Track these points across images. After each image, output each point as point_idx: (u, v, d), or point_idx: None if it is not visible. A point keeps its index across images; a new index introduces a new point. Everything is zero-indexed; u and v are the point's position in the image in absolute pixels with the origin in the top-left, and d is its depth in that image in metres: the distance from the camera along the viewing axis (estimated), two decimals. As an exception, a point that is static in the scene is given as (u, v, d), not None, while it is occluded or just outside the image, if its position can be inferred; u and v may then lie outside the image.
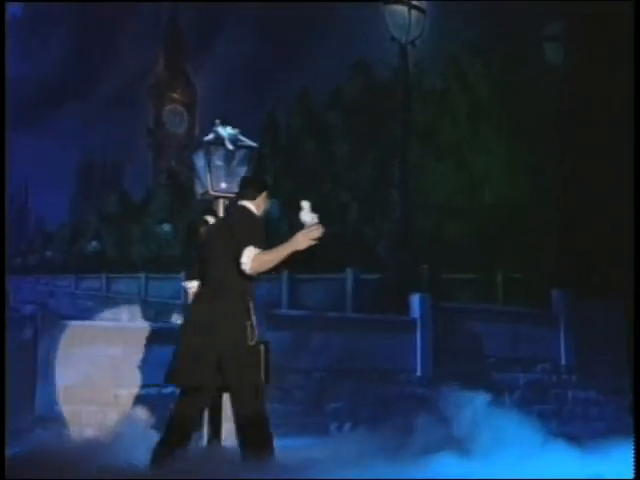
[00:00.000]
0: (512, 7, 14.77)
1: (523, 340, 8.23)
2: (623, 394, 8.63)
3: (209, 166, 4.14)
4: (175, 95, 79.13)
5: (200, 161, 4.17)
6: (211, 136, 4.11)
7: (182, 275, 23.45)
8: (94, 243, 40.35)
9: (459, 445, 4.16)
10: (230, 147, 4.10)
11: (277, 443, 3.78)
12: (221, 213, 4.10)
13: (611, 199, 10.55)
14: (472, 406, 4.32)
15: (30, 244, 70.59)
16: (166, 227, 32.08)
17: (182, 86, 79.79)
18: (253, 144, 4.21)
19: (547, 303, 8.90)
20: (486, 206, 14.16)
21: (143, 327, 6.58)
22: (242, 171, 4.20)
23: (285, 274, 17.11)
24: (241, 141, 4.17)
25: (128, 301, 23.53)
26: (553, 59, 13.46)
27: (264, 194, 4.10)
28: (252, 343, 3.79)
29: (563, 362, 8.48)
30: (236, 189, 4.12)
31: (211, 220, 4.08)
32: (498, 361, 8.00)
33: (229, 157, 4.13)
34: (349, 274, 14.00)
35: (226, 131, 4.12)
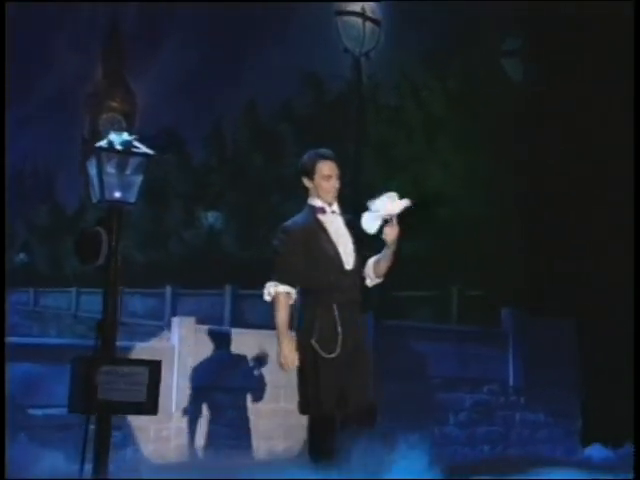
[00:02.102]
0: (470, 21, 15.21)
1: (470, 360, 8.41)
2: (572, 417, 8.91)
3: (100, 174, 4.14)
4: (114, 104, 78.20)
5: (93, 169, 4.18)
6: (103, 142, 4.12)
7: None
8: (22, 255, 39.55)
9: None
10: (119, 148, 4.11)
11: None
12: (116, 223, 4.10)
13: (568, 215, 10.91)
14: None
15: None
16: (100, 240, 31.62)
17: (121, 94, 78.98)
18: (149, 151, 4.23)
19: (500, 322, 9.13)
20: (440, 221, 14.45)
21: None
22: (137, 180, 4.21)
23: (229, 288, 17.18)
24: (136, 148, 4.18)
25: (57, 316, 23.16)
26: (512, 74, 13.82)
27: None
28: None
29: (511, 383, 8.70)
30: (131, 199, 4.12)
31: (103, 231, 4.09)
32: (443, 381, 8.15)
33: (122, 165, 4.14)
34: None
35: (119, 137, 4.13)
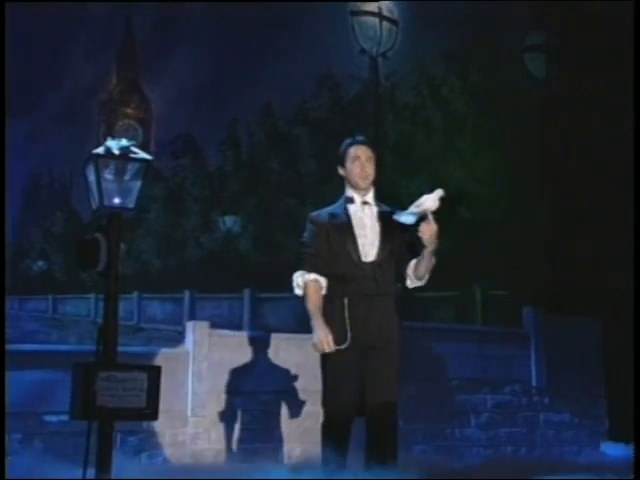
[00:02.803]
0: (490, 17, 15.14)
1: (491, 360, 8.34)
2: (599, 417, 8.81)
3: (99, 180, 4.17)
4: (129, 110, 78.62)
5: (91, 175, 4.21)
6: (101, 149, 4.15)
7: (134, 295, 23.48)
8: (40, 263, 39.84)
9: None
10: (116, 153, 4.12)
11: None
12: (116, 229, 4.12)
13: (593, 214, 10.83)
14: None
15: (-31, 265, 69.21)
16: (118, 246, 31.88)
17: (136, 101, 79.43)
18: (147, 157, 4.24)
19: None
20: (462, 221, 14.40)
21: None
22: (136, 185, 4.23)
23: (247, 292, 17.22)
24: (134, 153, 4.20)
25: (76, 323, 23.34)
26: (535, 70, 13.74)
27: None
28: None
29: (534, 383, 8.62)
30: (131, 204, 4.13)
31: (102, 238, 4.12)
32: (464, 382, 8.09)
33: (120, 171, 4.16)
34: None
35: (117, 143, 4.16)
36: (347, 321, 4.05)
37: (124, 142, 4.12)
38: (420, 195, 4.11)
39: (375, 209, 4.22)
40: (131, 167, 4.15)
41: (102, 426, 4.02)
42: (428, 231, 3.96)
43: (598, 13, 11.33)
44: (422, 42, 16.54)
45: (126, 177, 4.14)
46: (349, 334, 4.02)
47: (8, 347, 7.49)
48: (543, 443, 8.45)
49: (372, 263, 4.12)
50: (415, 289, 13.68)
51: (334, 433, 4.09)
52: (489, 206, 14.06)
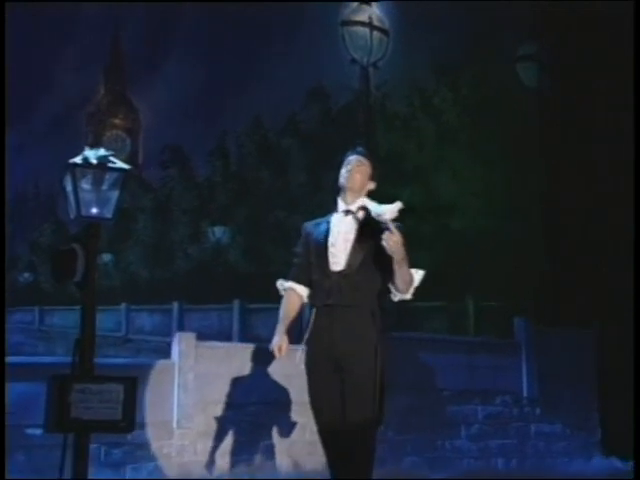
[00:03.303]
0: (482, 27, 15.19)
1: (482, 371, 8.31)
2: (590, 429, 8.79)
3: (76, 190, 4.13)
4: (116, 121, 78.89)
5: (68, 185, 4.17)
6: (78, 158, 4.11)
7: (122, 307, 23.33)
8: (26, 275, 39.73)
9: None
10: (94, 163, 4.09)
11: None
12: (94, 240, 4.09)
13: (584, 223, 10.85)
14: None
15: (-45, 277, 69.01)
16: (106, 257, 31.73)
17: (124, 112, 79.64)
18: (125, 166, 4.21)
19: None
20: (454, 232, 14.40)
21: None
22: (114, 195, 4.19)
23: (237, 303, 17.17)
24: (112, 163, 4.17)
25: (63, 335, 23.19)
26: (527, 80, 13.78)
27: None
28: None
29: (525, 394, 8.59)
30: (108, 214, 4.09)
31: (79, 248, 4.08)
32: (454, 393, 8.06)
33: (98, 180, 4.13)
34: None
35: (95, 152, 4.13)
36: (315, 333, 4.04)
37: (102, 151, 4.08)
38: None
39: (357, 219, 4.13)
40: (109, 177, 4.09)
41: (77, 438, 3.96)
42: (390, 240, 3.82)
43: (593, 20, 11.41)
44: (413, 52, 16.61)
45: (104, 187, 4.08)
46: (315, 347, 4.03)
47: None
48: (534, 454, 8.41)
49: (339, 273, 4.03)
50: (408, 300, 13.60)
51: (324, 445, 4.07)
52: (481, 217, 14.08)
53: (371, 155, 4.35)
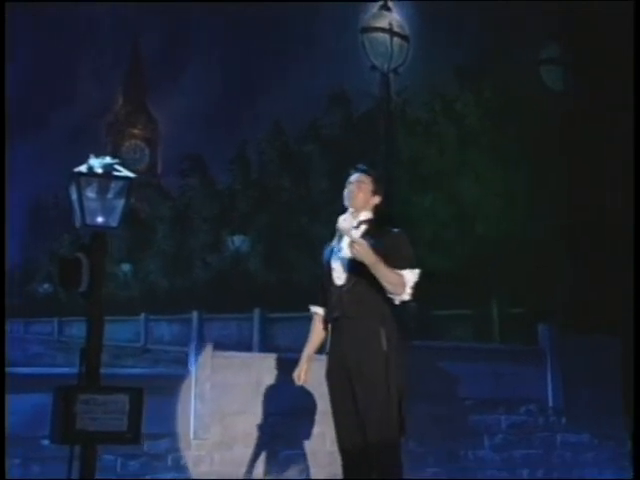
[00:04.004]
0: (504, 30, 15.12)
1: (505, 379, 8.21)
2: (620, 438, 8.63)
3: (81, 199, 4.14)
4: (136, 131, 79.70)
5: (74, 194, 4.18)
6: (83, 167, 4.13)
7: (141, 317, 23.42)
8: (46, 286, 40.07)
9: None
10: (99, 172, 4.11)
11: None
12: (99, 249, 4.10)
13: (612, 228, 10.73)
14: None
15: (-25, 289, 69.83)
16: (125, 267, 31.98)
17: (143, 121, 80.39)
18: (130, 175, 4.21)
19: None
20: (477, 237, 14.32)
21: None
22: (119, 204, 4.20)
23: (257, 312, 17.16)
24: (117, 171, 4.18)
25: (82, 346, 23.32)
26: (551, 83, 13.69)
27: None
28: None
29: (550, 403, 8.48)
30: (114, 223, 4.10)
31: (84, 257, 4.08)
32: (477, 402, 7.96)
33: (103, 189, 4.14)
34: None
35: (100, 161, 4.14)
36: (328, 348, 4.28)
37: (107, 160, 4.08)
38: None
39: (358, 233, 4.22)
40: (114, 185, 4.09)
41: (84, 450, 3.93)
42: (354, 248, 4.01)
43: (617, 20, 11.29)
44: (434, 57, 16.58)
45: (109, 195, 4.07)
46: (329, 362, 4.25)
47: (10, 370, 7.50)
48: (561, 465, 8.28)
49: (340, 287, 4.21)
50: (431, 308, 13.52)
51: (342, 454, 4.16)
52: (504, 221, 14.00)
53: (373, 171, 4.47)
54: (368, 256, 3.98)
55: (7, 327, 37.42)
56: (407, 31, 10.23)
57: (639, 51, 8.35)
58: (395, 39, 10.10)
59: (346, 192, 4.36)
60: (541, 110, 13.67)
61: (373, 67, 10.20)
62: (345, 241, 4.24)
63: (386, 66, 10.07)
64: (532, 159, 13.54)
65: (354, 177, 4.39)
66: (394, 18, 10.10)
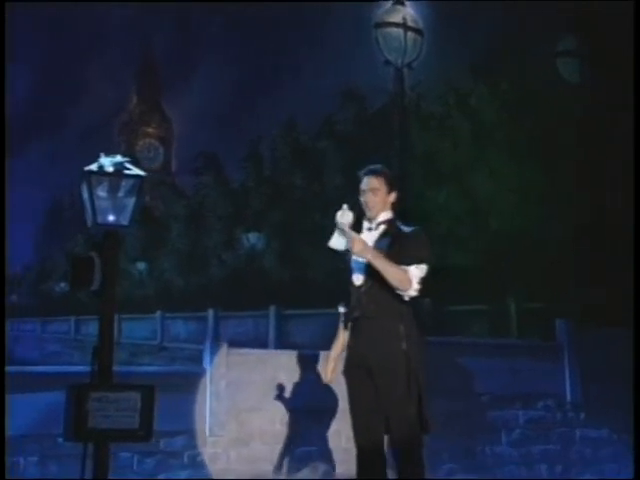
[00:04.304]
0: (520, 22, 15.02)
1: (523, 375, 8.16)
2: (640, 433, 8.56)
3: (92, 198, 4.14)
4: (150, 130, 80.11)
5: (84, 193, 4.19)
6: (94, 165, 4.13)
7: (157, 315, 23.50)
8: (62, 285, 40.29)
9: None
10: (109, 170, 4.11)
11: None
12: (111, 247, 4.11)
13: (625, 223, 10.65)
14: None
15: (-7, 288, 70.51)
16: (140, 266, 32.10)
17: (157, 120, 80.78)
18: (141, 173, 4.20)
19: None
20: (492, 232, 14.26)
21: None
22: (130, 202, 4.20)
23: (272, 309, 17.16)
24: (128, 169, 4.18)
25: (98, 344, 23.47)
26: (568, 76, 13.59)
27: None
28: None
29: (568, 398, 8.42)
30: (125, 221, 4.08)
31: (96, 255, 4.07)
32: (494, 398, 7.92)
33: (114, 187, 4.14)
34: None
35: (111, 159, 4.14)
36: (347, 348, 4.31)
37: (118, 158, 4.09)
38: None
39: (376, 234, 4.24)
40: (125, 183, 4.08)
41: (96, 447, 3.94)
42: (351, 244, 4.01)
43: (630, 13, 11.18)
44: (449, 51, 16.51)
45: (120, 194, 4.07)
46: (348, 360, 4.27)
47: (26, 369, 7.53)
48: (580, 461, 8.23)
49: (359, 287, 4.22)
50: (446, 304, 13.42)
51: (358, 451, 4.18)
52: (520, 216, 13.93)
53: (382, 168, 4.37)
54: (366, 252, 4.02)
55: (23, 326, 37.83)
56: (421, 25, 10.17)
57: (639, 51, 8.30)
58: (409, 34, 10.04)
59: (362, 201, 4.28)
60: (557, 103, 13.59)
61: (387, 62, 10.15)
62: (368, 241, 4.20)
63: (400, 61, 10.02)
64: (548, 153, 13.46)
65: (365, 183, 4.29)
66: (408, 12, 10.04)
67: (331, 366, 4.45)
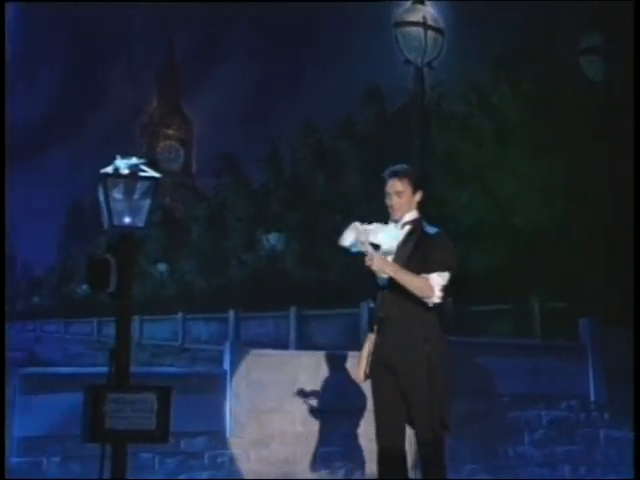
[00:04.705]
0: (543, 19, 14.91)
1: (546, 375, 8.10)
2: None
3: (108, 200, 4.18)
4: (170, 132, 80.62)
5: (101, 195, 4.23)
6: (109, 168, 4.16)
7: (179, 316, 23.60)
8: (85, 286, 40.60)
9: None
10: (125, 172, 4.13)
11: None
12: (127, 249, 4.13)
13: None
14: None
15: (16, 290, 71.39)
16: (161, 267, 32.26)
17: (178, 122, 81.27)
18: (156, 175, 4.22)
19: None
20: (516, 231, 14.17)
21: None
22: (146, 204, 4.22)
23: (293, 310, 17.17)
24: (143, 171, 4.20)
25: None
26: (592, 74, 13.47)
27: None
28: None
29: (592, 398, 8.36)
30: (140, 223, 4.12)
31: (112, 257, 4.06)
32: (516, 398, 7.88)
33: (130, 189, 4.17)
34: (364, 309, 13.95)
35: (126, 161, 4.16)
36: (374, 348, 4.35)
37: (133, 160, 4.12)
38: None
39: (401, 233, 4.30)
40: (140, 185, 4.11)
41: (114, 448, 3.97)
42: (370, 262, 4.10)
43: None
44: (470, 50, 16.44)
45: (135, 196, 4.11)
46: (372, 362, 4.33)
47: (48, 370, 7.58)
48: (605, 461, 8.15)
49: (382, 289, 4.28)
50: (467, 304, 13.31)
51: (380, 455, 4.23)
52: (543, 215, 13.83)
53: (405, 168, 4.41)
54: (385, 268, 4.12)
55: (47, 327, 38.12)
56: (441, 24, 10.12)
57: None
58: (429, 33, 9.99)
59: (388, 204, 4.34)
60: (581, 102, 13.48)
61: (407, 61, 10.11)
62: (391, 243, 4.27)
63: (420, 60, 9.97)
64: (572, 151, 13.35)
65: (390, 186, 4.34)
66: (428, 12, 10.00)
67: (364, 365, 4.42)
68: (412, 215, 4.32)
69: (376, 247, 4.17)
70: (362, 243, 4.12)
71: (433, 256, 4.13)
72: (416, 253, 4.15)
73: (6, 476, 3.79)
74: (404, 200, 4.30)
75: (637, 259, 8.11)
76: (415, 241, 4.20)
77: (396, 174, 4.34)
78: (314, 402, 6.52)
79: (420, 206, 4.39)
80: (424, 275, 4.10)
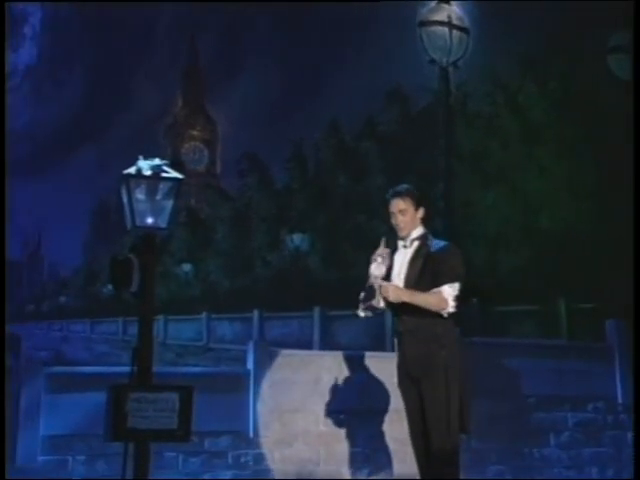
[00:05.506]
0: (570, 17, 14.79)
1: (572, 376, 8.02)
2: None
3: (130, 201, 4.20)
4: (195, 132, 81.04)
5: (124, 196, 4.25)
6: (132, 169, 4.18)
7: (203, 316, 23.69)
8: (110, 286, 40.94)
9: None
10: (147, 174, 4.16)
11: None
12: (150, 250, 4.12)
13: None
14: None
15: (43, 290, 72.17)
16: (186, 267, 32.41)
17: (202, 123, 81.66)
18: (178, 176, 4.24)
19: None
20: (542, 232, 14.06)
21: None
22: (168, 204, 4.24)
23: (317, 310, 17.17)
24: (165, 172, 4.21)
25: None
26: (620, 73, 13.34)
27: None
28: None
29: (620, 400, 8.26)
30: (163, 224, 4.17)
31: (134, 257, 4.08)
32: (542, 399, 7.81)
33: (152, 190, 4.19)
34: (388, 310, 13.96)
35: (149, 162, 4.18)
36: (396, 359, 4.60)
37: (156, 161, 4.14)
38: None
39: (410, 251, 4.53)
40: (163, 186, 4.14)
41: (136, 447, 4.00)
42: (385, 294, 4.34)
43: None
44: (495, 49, 16.33)
45: (158, 196, 4.13)
46: (398, 373, 4.58)
47: (74, 369, 7.62)
48: (633, 464, 8.06)
49: (396, 303, 4.42)
50: (493, 304, 13.17)
51: (417, 459, 4.47)
52: (570, 215, 13.72)
53: (406, 187, 4.62)
54: (401, 296, 4.34)
55: (74, 327, 38.41)
56: (467, 24, 10.05)
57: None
58: (454, 32, 9.92)
59: (393, 223, 4.57)
60: (609, 101, 13.35)
61: (432, 61, 10.05)
62: (404, 257, 4.53)
63: (445, 60, 9.91)
64: (599, 151, 13.24)
65: (393, 206, 4.57)
66: (453, 11, 9.94)
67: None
68: (418, 232, 4.54)
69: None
70: (376, 278, 4.38)
71: (442, 269, 4.37)
72: (426, 268, 4.40)
73: (6, 476, 3.81)
74: (408, 218, 4.54)
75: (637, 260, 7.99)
76: (424, 256, 4.44)
77: (398, 194, 4.58)
78: (337, 402, 6.50)
79: (425, 222, 4.60)
80: (435, 290, 4.34)
